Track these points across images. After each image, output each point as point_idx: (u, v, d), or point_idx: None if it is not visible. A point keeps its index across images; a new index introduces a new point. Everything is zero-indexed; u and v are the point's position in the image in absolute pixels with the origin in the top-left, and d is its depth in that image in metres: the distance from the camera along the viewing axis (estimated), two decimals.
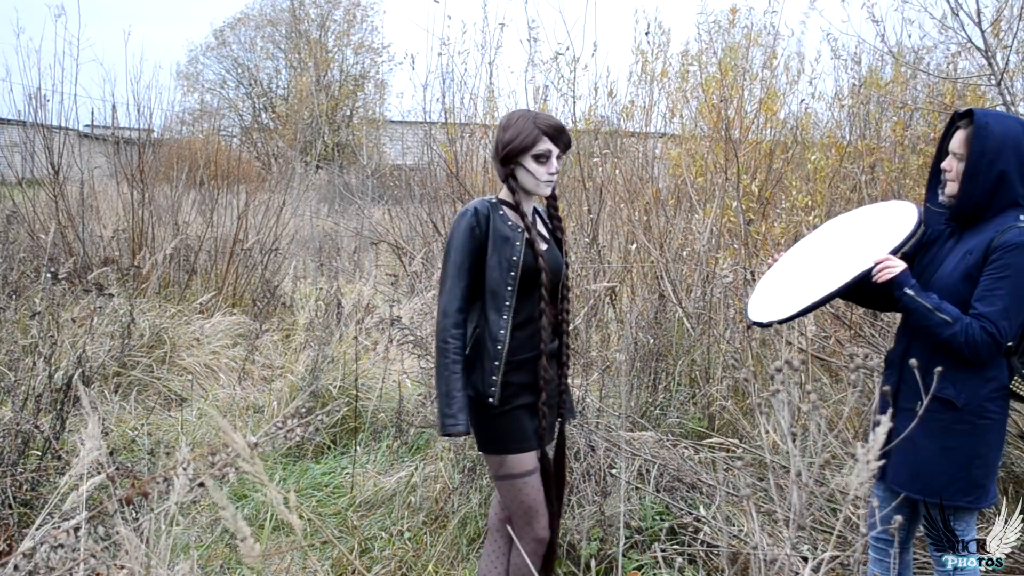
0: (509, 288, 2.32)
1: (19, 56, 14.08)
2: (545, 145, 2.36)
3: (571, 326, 2.52)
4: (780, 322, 2.39)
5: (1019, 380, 2.29)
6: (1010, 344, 2.22)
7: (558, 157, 2.40)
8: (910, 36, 11.10)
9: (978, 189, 2.24)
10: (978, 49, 3.95)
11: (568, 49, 6.50)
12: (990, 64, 3.87)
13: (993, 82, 3.86)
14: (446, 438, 2.41)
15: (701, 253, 5.13)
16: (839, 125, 6.84)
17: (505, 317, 2.33)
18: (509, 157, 2.37)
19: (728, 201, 5.53)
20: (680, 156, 6.78)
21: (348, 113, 26.77)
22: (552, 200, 2.49)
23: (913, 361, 1.96)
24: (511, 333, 2.33)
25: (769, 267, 2.75)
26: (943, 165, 2.34)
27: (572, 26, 14.48)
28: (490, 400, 2.32)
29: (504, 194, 2.44)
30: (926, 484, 2.28)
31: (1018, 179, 2.22)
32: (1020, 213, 2.23)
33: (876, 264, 2.26)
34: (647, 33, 7.20)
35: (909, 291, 2.22)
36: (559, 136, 2.38)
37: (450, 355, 2.31)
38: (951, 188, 2.31)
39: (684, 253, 5.42)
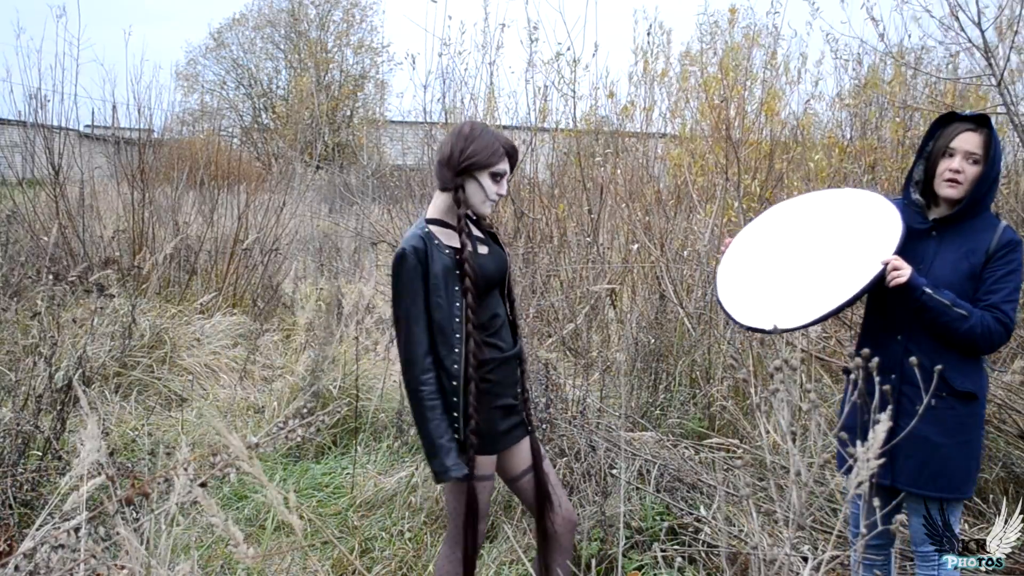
0: (457, 320, 2.27)
1: (19, 56, 14.05)
2: (504, 165, 2.33)
3: (521, 329, 2.49)
4: (787, 331, 2.36)
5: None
6: None
7: (508, 179, 2.39)
8: (910, 36, 11.12)
9: (984, 193, 2.30)
10: (978, 49, 3.94)
11: (569, 49, 6.50)
12: (990, 64, 3.86)
13: (993, 82, 3.86)
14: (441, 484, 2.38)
15: (702, 253, 5.13)
16: (840, 125, 6.85)
17: (457, 350, 2.27)
18: (467, 169, 2.31)
19: (729, 201, 5.53)
20: (681, 156, 6.79)
21: (348, 113, 26.78)
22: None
23: (913, 359, 1.96)
24: (469, 354, 2.27)
25: (722, 252, 2.69)
26: (955, 165, 2.30)
27: (572, 26, 14.48)
28: (470, 428, 2.27)
29: (434, 210, 2.36)
30: (947, 483, 2.30)
31: (996, 186, 2.34)
32: (988, 212, 2.36)
33: (886, 265, 2.25)
34: (648, 33, 7.21)
35: (928, 290, 2.23)
36: (515, 157, 2.37)
37: (426, 402, 2.24)
38: (958, 190, 2.30)
39: (685, 253, 5.42)
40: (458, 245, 2.31)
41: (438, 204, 2.38)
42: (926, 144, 2.41)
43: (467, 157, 2.30)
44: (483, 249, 2.41)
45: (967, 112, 2.37)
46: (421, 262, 2.26)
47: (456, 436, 2.27)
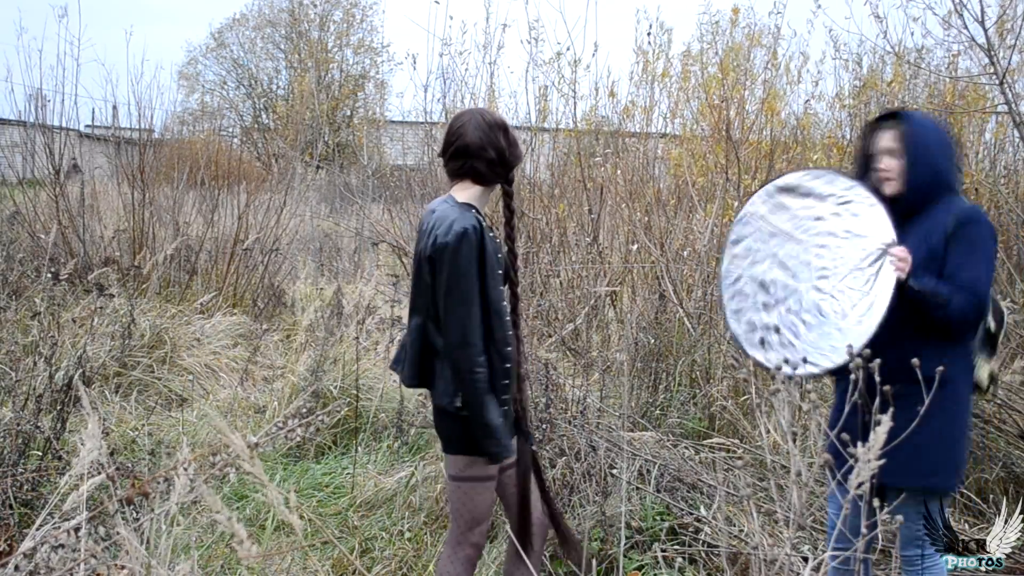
0: (505, 304, 2.29)
1: (21, 56, 14.04)
2: None
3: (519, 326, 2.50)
4: (844, 365, 2.15)
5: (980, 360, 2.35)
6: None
7: None
8: (912, 34, 11.16)
9: (921, 178, 2.30)
10: (981, 48, 3.94)
11: (569, 49, 6.50)
12: (992, 63, 3.86)
13: (996, 81, 3.86)
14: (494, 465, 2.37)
15: (702, 253, 5.13)
16: (840, 125, 6.85)
17: (510, 333, 2.30)
18: (509, 168, 2.36)
19: (729, 201, 5.52)
20: (681, 156, 6.79)
21: (348, 113, 26.79)
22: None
23: (915, 361, 1.95)
24: (514, 346, 2.31)
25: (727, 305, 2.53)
26: (882, 166, 2.34)
27: (573, 26, 14.48)
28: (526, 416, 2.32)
29: (468, 197, 2.34)
30: (924, 474, 2.27)
31: (949, 167, 2.32)
32: (955, 196, 2.33)
33: (896, 258, 2.21)
34: (648, 33, 7.21)
35: (912, 283, 2.21)
36: None
37: (481, 384, 2.22)
38: (894, 186, 2.33)
39: (685, 253, 5.42)
40: (496, 233, 2.36)
41: (472, 193, 2.35)
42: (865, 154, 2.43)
43: (517, 158, 2.37)
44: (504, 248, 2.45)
45: (880, 114, 2.42)
46: (480, 243, 2.24)
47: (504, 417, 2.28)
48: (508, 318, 2.31)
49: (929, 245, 2.27)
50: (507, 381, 2.29)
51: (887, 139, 2.33)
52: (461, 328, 2.21)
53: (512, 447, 2.29)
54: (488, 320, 2.25)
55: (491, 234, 2.31)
